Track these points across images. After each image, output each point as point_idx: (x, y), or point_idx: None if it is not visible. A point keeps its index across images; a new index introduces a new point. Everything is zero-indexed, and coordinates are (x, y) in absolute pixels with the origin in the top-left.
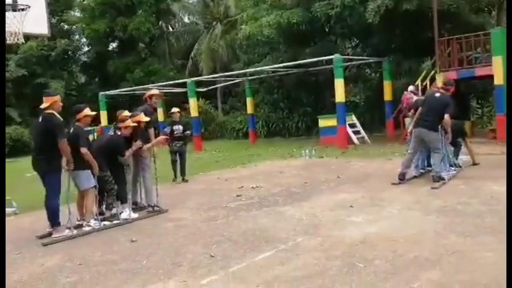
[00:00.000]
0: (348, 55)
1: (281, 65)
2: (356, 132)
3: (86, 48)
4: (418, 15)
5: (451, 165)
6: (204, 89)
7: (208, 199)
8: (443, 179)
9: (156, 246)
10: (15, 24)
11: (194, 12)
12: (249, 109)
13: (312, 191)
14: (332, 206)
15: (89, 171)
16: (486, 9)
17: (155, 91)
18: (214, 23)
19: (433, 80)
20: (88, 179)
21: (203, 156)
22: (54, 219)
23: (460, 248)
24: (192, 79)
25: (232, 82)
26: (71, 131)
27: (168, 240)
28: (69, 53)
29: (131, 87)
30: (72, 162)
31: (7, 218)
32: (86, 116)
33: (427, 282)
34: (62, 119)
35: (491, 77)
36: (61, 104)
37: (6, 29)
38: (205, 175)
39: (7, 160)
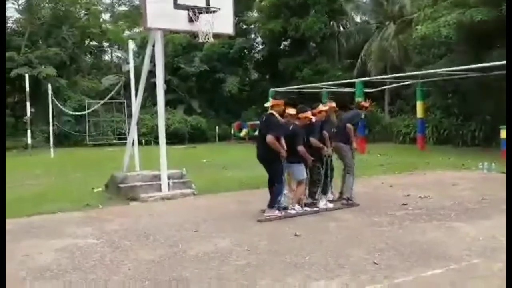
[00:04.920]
0: None
1: (461, 67)
2: None
3: (260, 47)
4: None
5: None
6: (372, 90)
7: (371, 203)
8: None
9: (319, 244)
10: (206, 25)
11: (367, 12)
12: (419, 113)
13: (491, 209)
14: None
15: (303, 164)
16: None
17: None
18: (387, 22)
19: None
20: (302, 172)
21: (366, 158)
22: (274, 201)
23: None
24: (361, 79)
25: (402, 84)
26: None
27: (331, 239)
28: (245, 51)
29: (299, 85)
30: (284, 154)
31: (186, 198)
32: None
33: None
34: (278, 119)
35: None
36: (283, 107)
37: (200, 29)
38: (368, 178)
39: (187, 145)
